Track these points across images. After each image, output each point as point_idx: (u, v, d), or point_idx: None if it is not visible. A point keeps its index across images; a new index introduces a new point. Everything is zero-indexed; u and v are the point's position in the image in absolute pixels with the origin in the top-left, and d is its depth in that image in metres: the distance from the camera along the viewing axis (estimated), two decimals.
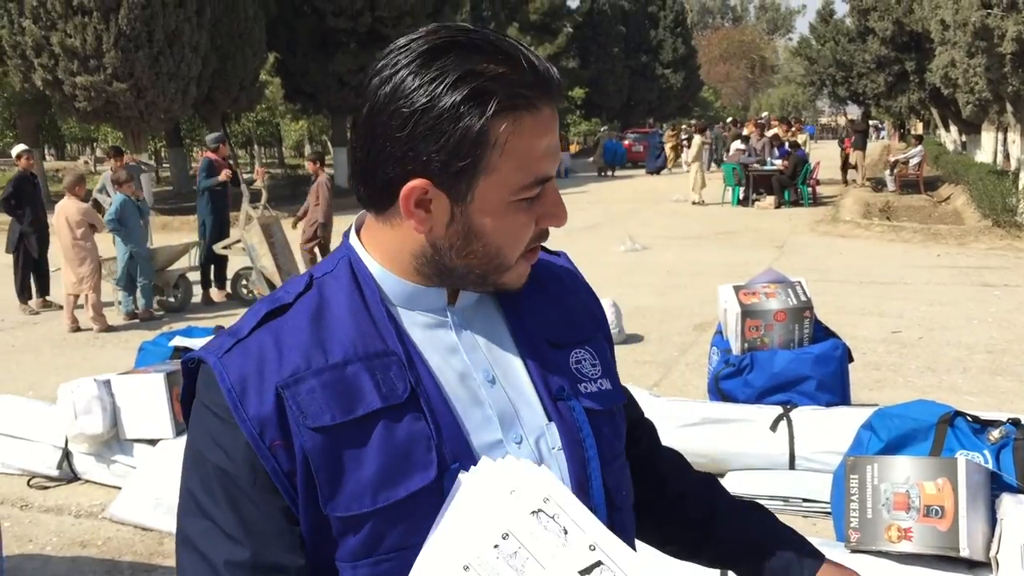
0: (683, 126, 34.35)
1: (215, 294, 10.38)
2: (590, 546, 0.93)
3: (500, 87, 0.94)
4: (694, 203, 19.57)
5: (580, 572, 0.92)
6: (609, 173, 30.17)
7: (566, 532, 0.93)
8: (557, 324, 1.14)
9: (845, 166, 23.34)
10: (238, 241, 9.68)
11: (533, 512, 0.94)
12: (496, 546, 0.92)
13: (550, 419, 1.07)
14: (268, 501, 0.98)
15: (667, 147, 30.47)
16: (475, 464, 0.99)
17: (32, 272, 9.89)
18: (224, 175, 9.98)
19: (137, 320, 9.23)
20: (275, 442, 0.97)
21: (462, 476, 0.97)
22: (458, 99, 0.93)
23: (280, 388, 0.98)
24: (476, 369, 1.06)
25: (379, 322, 1.03)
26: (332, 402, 0.98)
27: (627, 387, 1.28)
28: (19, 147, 10.27)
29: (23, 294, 9.85)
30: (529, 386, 1.08)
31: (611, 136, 32.53)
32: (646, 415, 1.41)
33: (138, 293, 9.33)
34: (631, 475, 1.23)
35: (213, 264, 10.30)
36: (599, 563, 0.92)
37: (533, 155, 0.97)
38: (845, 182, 22.91)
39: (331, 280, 1.06)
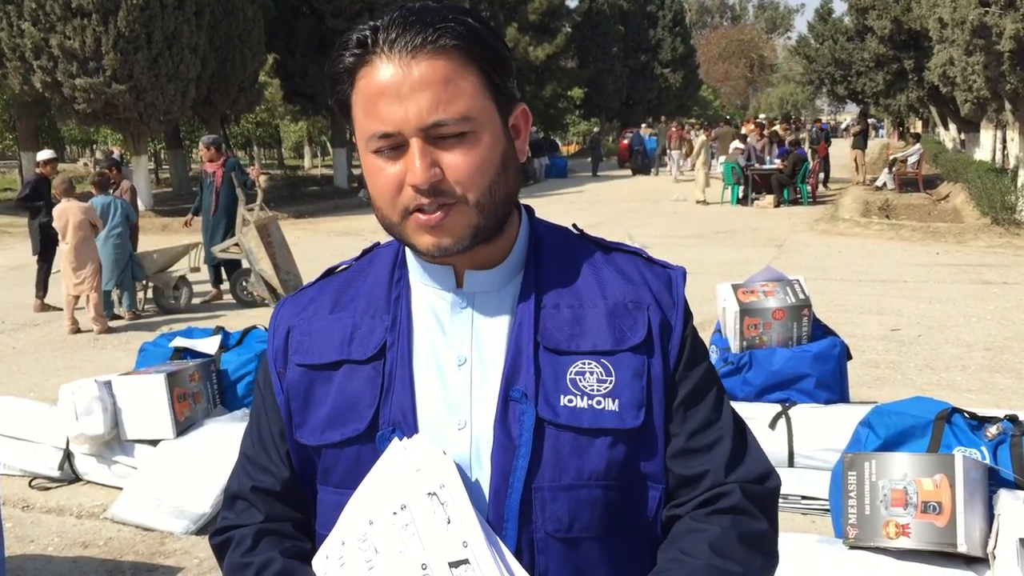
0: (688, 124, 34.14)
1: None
2: (463, 542, 0.98)
3: (359, 38, 1.03)
4: (698, 202, 19.61)
5: (450, 564, 0.97)
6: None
7: (449, 521, 0.99)
8: (567, 330, 1.10)
9: (821, 169, 22.37)
10: (236, 244, 9.69)
11: (429, 494, 1.00)
12: (395, 513, 1.01)
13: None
14: (271, 417, 1.20)
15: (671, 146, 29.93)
16: (414, 434, 1.07)
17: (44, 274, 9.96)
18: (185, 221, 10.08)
19: (133, 319, 9.26)
20: (279, 370, 1.18)
21: (393, 442, 1.06)
22: (334, 51, 1.06)
23: (290, 327, 1.18)
24: (452, 351, 1.11)
25: (391, 289, 1.15)
26: (315, 346, 1.15)
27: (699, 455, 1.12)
28: (46, 153, 10.37)
29: (42, 291, 9.88)
30: (499, 381, 1.09)
31: (648, 133, 32.11)
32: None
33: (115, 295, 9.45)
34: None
35: (228, 264, 10.30)
36: (467, 560, 0.97)
37: (372, 100, 1.02)
38: (824, 184, 22.13)
39: (383, 250, 1.21)
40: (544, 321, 1.10)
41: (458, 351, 1.11)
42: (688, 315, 1.18)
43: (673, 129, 28.64)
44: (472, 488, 1.05)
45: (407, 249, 1.16)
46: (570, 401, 1.07)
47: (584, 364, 1.09)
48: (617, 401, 1.08)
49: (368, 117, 1.02)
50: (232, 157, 10.93)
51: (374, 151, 1.04)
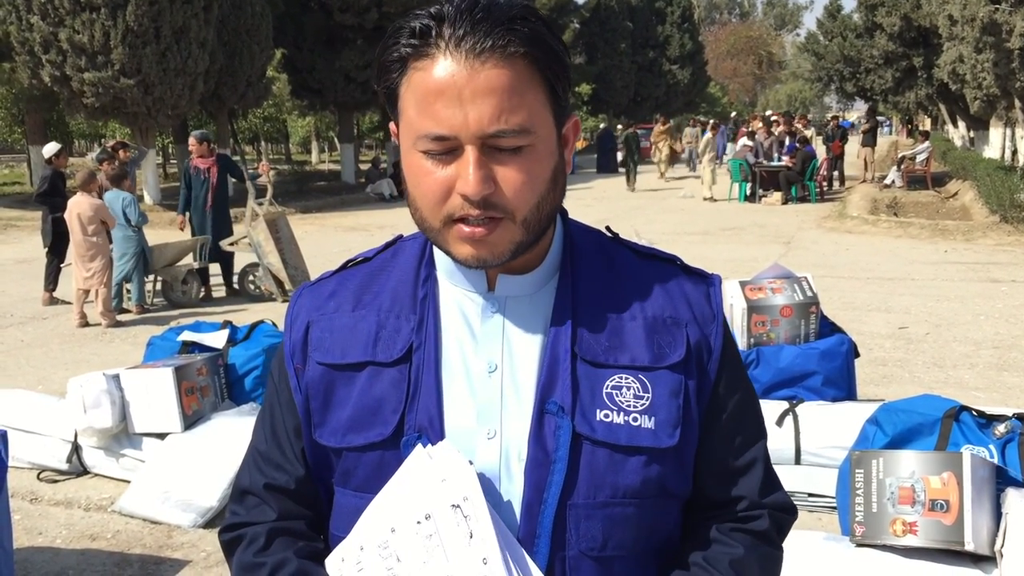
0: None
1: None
2: (483, 559, 0.96)
3: (416, 28, 0.97)
4: (705, 199, 19.56)
5: None
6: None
7: (471, 536, 0.96)
8: (604, 342, 1.07)
9: (834, 167, 22.00)
10: (244, 237, 9.71)
11: (453, 506, 0.98)
12: (418, 523, 0.98)
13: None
14: (286, 413, 1.16)
15: (659, 144, 29.53)
16: (440, 440, 1.03)
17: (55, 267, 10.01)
18: (179, 223, 10.62)
19: (143, 313, 9.29)
20: (297, 365, 1.13)
21: (417, 448, 1.03)
22: (387, 37, 1.01)
23: (310, 322, 1.14)
24: (482, 356, 1.07)
25: (418, 288, 1.11)
26: (336, 345, 1.11)
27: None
28: (53, 146, 10.41)
29: (51, 284, 9.94)
30: (531, 391, 1.05)
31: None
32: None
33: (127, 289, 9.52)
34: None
35: (220, 260, 10.31)
36: None
37: (429, 99, 0.96)
38: (830, 183, 21.60)
39: (407, 243, 1.16)
40: (581, 331, 1.06)
41: (488, 357, 1.07)
42: (727, 328, 1.15)
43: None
44: (502, 501, 1.03)
45: (434, 247, 1.11)
46: (606, 416, 1.04)
47: (621, 379, 1.05)
48: (653, 419, 1.05)
49: (422, 115, 0.97)
50: (223, 153, 10.94)
51: (422, 151, 0.98)
